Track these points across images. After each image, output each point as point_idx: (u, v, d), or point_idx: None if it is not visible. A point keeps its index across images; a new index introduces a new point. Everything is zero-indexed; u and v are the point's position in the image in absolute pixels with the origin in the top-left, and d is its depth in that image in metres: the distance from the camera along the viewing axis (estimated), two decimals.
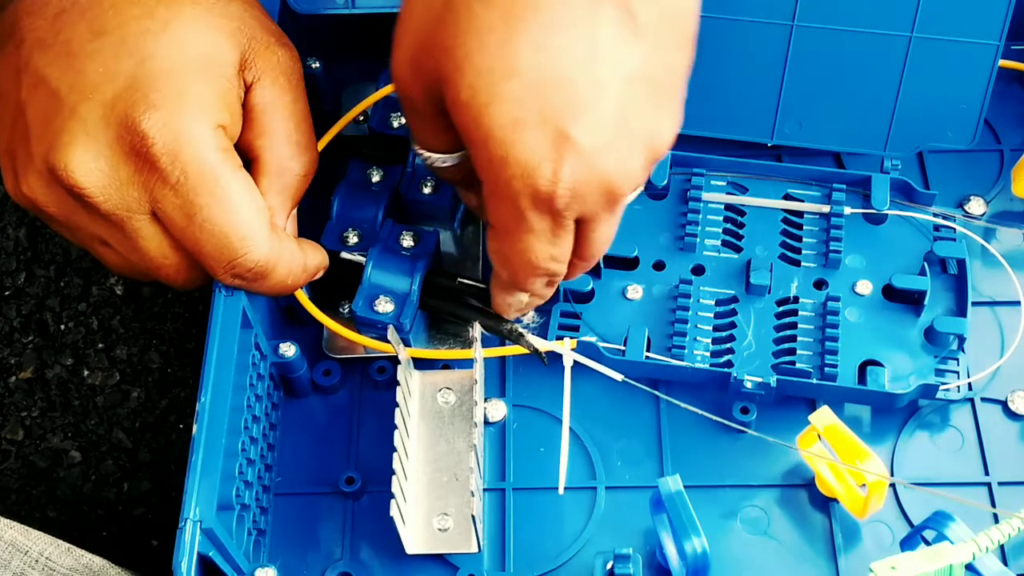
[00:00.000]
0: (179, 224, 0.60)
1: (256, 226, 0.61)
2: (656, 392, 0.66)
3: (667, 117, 0.59)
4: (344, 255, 0.68)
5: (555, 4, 0.54)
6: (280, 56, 0.64)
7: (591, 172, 0.57)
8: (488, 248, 0.62)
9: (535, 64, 0.55)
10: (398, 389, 0.64)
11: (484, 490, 0.66)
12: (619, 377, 0.65)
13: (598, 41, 0.55)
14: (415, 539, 0.64)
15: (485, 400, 0.68)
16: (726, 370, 0.66)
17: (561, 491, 0.63)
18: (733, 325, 0.69)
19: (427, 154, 0.62)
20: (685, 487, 0.60)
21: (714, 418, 0.64)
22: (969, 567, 0.59)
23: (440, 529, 0.64)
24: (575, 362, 0.66)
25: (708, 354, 0.68)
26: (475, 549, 0.64)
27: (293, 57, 0.65)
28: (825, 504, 0.66)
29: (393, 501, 0.60)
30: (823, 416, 0.62)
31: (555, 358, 0.67)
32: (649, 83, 0.57)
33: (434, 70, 0.56)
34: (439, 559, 0.64)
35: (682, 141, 0.72)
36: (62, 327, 0.76)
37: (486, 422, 0.68)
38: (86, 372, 0.75)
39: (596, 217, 0.60)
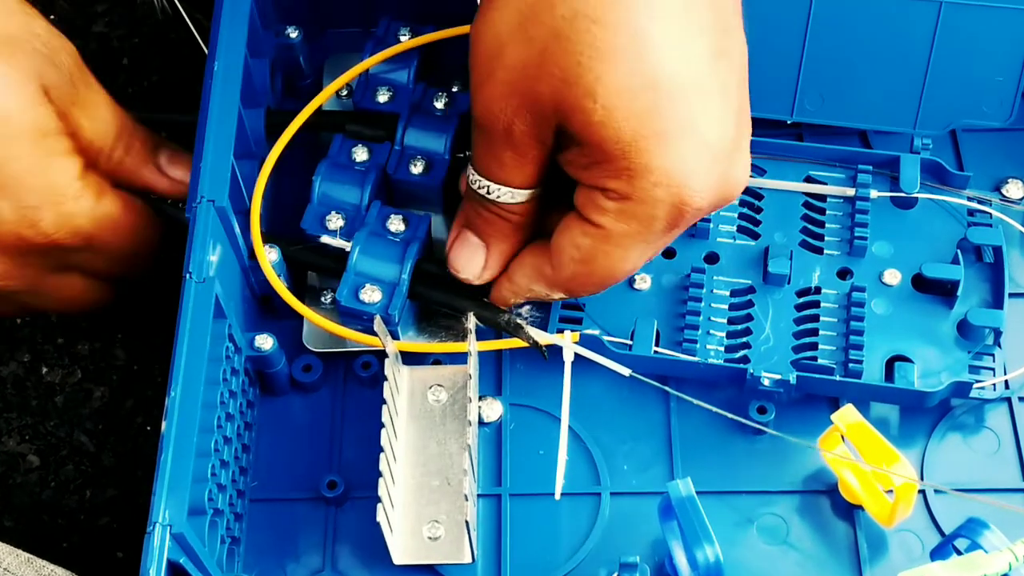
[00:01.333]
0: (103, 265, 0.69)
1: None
2: (667, 388, 0.66)
3: (748, 114, 0.64)
4: (325, 239, 0.69)
5: (671, 14, 0.58)
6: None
7: (724, 180, 0.61)
8: (568, 243, 0.63)
9: (669, 76, 0.58)
10: (385, 385, 0.64)
11: (479, 496, 0.67)
12: (626, 372, 0.65)
13: (712, 45, 0.59)
14: (403, 548, 0.64)
15: (480, 398, 0.69)
16: (742, 366, 0.67)
17: (558, 496, 0.63)
18: (749, 318, 0.69)
19: (497, 187, 0.63)
20: (697, 493, 0.61)
21: (731, 416, 0.65)
22: None
23: (430, 537, 0.65)
24: (578, 358, 0.66)
25: (722, 349, 0.68)
26: (468, 559, 0.64)
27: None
28: (849, 511, 0.66)
29: (380, 506, 0.61)
30: (847, 414, 0.63)
31: (556, 353, 0.67)
32: (745, 78, 0.62)
33: (551, 100, 0.59)
34: (429, 570, 0.65)
35: None
36: (18, 320, 0.77)
37: (481, 422, 0.68)
38: (44, 369, 0.75)
39: (690, 223, 0.63)
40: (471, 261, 0.66)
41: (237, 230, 0.67)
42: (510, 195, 0.63)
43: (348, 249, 0.67)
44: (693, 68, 0.59)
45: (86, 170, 0.67)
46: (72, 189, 0.66)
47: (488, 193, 0.63)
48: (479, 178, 0.63)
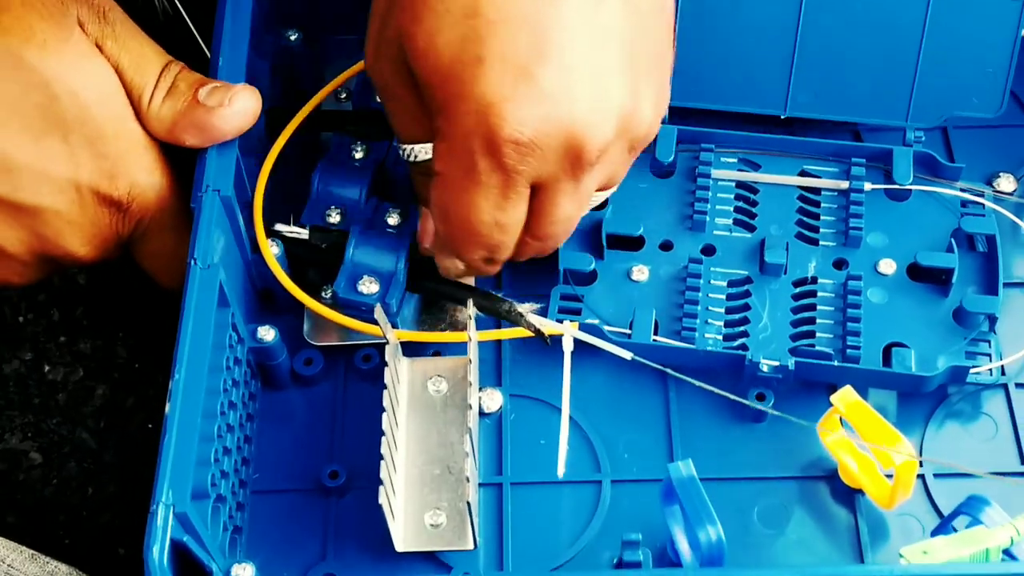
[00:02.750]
0: None
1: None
2: (668, 370, 0.66)
3: (646, 92, 0.61)
4: (279, 227, 0.68)
5: None
6: None
7: (553, 119, 0.58)
8: (430, 199, 0.62)
9: (497, 4, 0.57)
10: (387, 371, 0.63)
11: (480, 485, 0.66)
12: (628, 355, 0.65)
13: None
14: (405, 536, 0.64)
15: (480, 389, 0.68)
16: (740, 353, 0.67)
17: (560, 473, 0.63)
18: (747, 307, 0.69)
19: (411, 147, 0.63)
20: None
21: (730, 396, 0.64)
22: (1006, 552, 0.59)
23: (432, 525, 0.64)
24: (577, 348, 0.66)
25: (720, 338, 0.68)
26: (471, 546, 0.63)
27: None
28: (849, 497, 0.65)
29: (382, 488, 0.60)
30: (846, 395, 0.62)
31: (556, 343, 0.66)
32: (624, 45, 0.60)
33: (395, 36, 0.59)
34: (431, 558, 0.64)
35: (688, 115, 0.73)
36: (20, 319, 0.76)
37: (481, 413, 0.68)
38: (47, 367, 0.75)
39: (555, 184, 0.60)
40: (428, 232, 0.66)
41: (241, 222, 0.66)
42: (424, 152, 0.63)
43: (303, 238, 0.68)
44: (532, 4, 0.57)
45: (161, 149, 0.66)
46: (147, 159, 0.65)
47: (411, 157, 0.63)
48: (398, 145, 0.64)
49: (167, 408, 0.58)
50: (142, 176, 0.65)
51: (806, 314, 0.69)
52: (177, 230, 0.67)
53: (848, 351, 0.67)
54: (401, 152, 0.64)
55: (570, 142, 0.59)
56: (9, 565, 0.62)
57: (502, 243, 0.62)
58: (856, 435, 0.62)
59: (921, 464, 0.66)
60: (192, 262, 0.62)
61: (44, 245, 0.66)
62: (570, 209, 0.62)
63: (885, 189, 0.72)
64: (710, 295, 0.69)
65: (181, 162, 0.67)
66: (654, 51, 0.62)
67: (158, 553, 0.55)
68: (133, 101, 0.65)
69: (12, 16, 0.62)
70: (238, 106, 0.66)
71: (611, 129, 0.60)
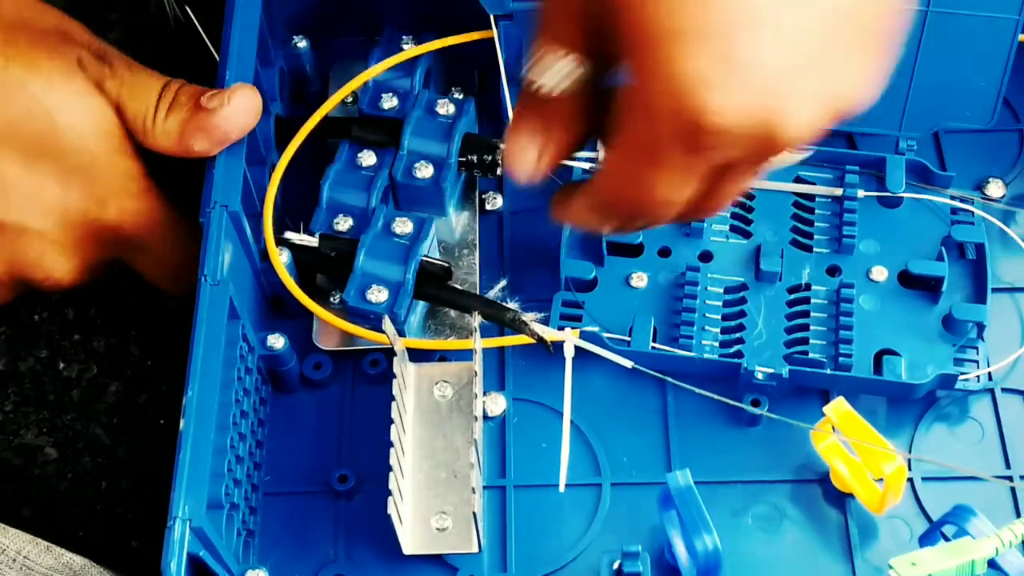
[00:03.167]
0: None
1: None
2: (667, 378, 0.67)
3: (861, 70, 0.55)
4: (288, 235, 0.69)
5: None
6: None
7: (752, 108, 0.52)
8: (603, 161, 0.58)
9: None
10: (394, 382, 0.65)
11: (484, 488, 0.67)
12: (629, 364, 0.66)
13: None
14: (412, 539, 0.65)
15: (484, 394, 0.69)
16: (736, 361, 0.68)
17: (562, 488, 0.64)
18: (743, 314, 0.70)
19: (551, 62, 0.56)
20: (694, 483, 0.61)
21: (729, 402, 0.66)
22: (991, 563, 0.60)
23: (438, 528, 0.65)
24: (578, 354, 0.67)
25: (717, 344, 0.69)
26: (476, 549, 0.65)
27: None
28: (840, 500, 0.67)
29: (390, 499, 0.62)
30: (838, 406, 0.64)
31: (559, 348, 0.68)
32: (851, 21, 0.53)
33: None
34: (438, 560, 0.65)
35: None
36: (36, 317, 0.77)
37: (485, 417, 0.69)
38: (61, 364, 0.76)
39: (738, 168, 0.56)
40: (527, 149, 0.59)
41: (249, 233, 0.67)
42: (564, 72, 0.56)
43: (313, 245, 0.69)
44: None
45: (149, 177, 0.69)
46: (135, 186, 0.68)
47: (543, 67, 0.56)
48: (530, 57, 0.57)
49: (181, 424, 0.60)
50: (130, 202, 0.68)
51: (800, 321, 0.70)
52: (173, 246, 0.70)
53: (840, 359, 0.68)
54: (536, 63, 0.56)
55: (766, 131, 0.52)
56: (25, 557, 0.63)
57: (666, 216, 0.58)
58: (848, 443, 0.64)
59: (910, 467, 0.67)
60: (202, 279, 0.63)
61: (24, 268, 0.68)
62: (744, 186, 0.59)
63: (878, 196, 0.73)
64: (707, 302, 0.70)
65: (182, 177, 0.68)
66: (885, 15, 0.55)
67: (176, 567, 0.57)
68: (138, 127, 0.67)
69: (19, 51, 0.65)
70: (237, 103, 0.67)
71: (814, 117, 0.53)
